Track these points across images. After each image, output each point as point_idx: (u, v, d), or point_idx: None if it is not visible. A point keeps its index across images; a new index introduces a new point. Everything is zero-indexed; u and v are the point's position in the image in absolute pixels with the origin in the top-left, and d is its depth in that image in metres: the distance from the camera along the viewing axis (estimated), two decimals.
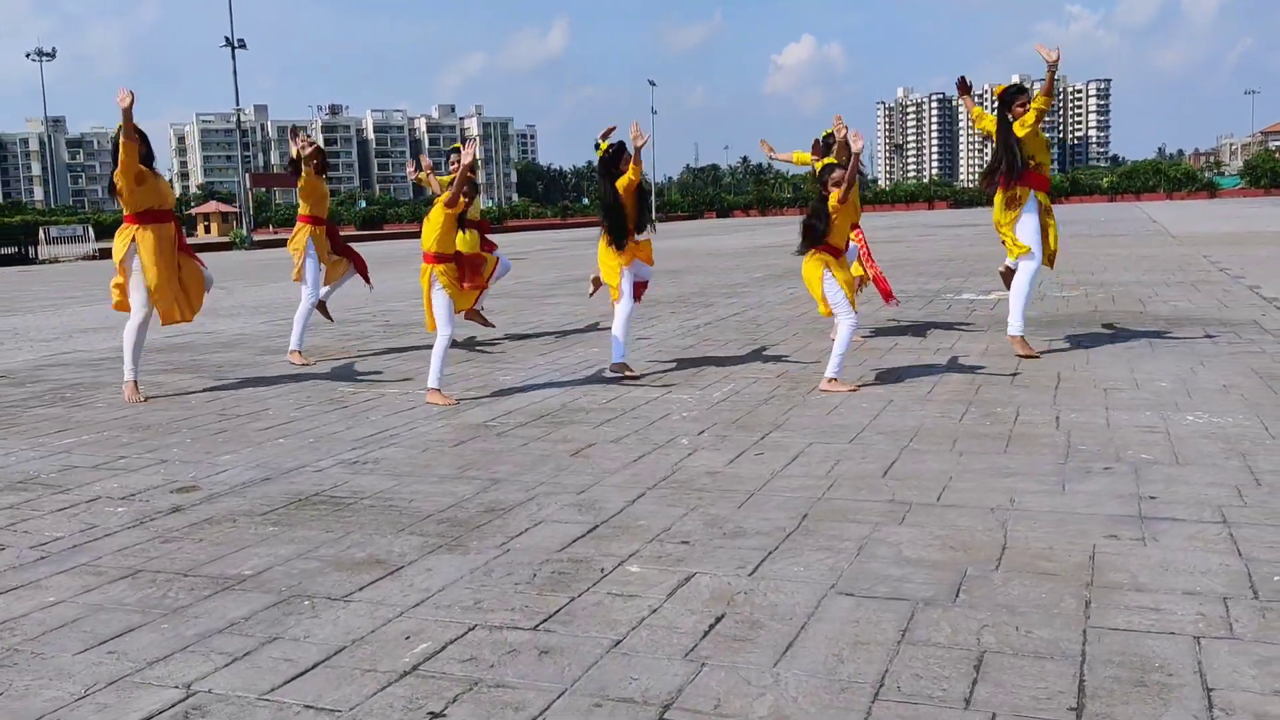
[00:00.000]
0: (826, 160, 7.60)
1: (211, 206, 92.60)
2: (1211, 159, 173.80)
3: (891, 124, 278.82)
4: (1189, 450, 5.05)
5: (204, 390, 7.96)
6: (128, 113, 7.14)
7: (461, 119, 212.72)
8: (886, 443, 5.43)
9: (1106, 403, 6.21)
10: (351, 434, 6.17)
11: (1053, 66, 7.73)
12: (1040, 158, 8.00)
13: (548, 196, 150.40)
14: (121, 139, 7.24)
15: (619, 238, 7.59)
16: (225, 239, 56.06)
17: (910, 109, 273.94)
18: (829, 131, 9.74)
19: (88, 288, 21.49)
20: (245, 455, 5.73)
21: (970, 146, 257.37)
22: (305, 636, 3.21)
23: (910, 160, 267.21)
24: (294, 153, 9.40)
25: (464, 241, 7.34)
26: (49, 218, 65.30)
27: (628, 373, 7.70)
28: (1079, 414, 5.93)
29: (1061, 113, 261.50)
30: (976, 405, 6.28)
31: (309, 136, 9.70)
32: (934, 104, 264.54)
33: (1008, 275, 8.34)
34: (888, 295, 8.81)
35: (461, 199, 6.84)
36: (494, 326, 10.54)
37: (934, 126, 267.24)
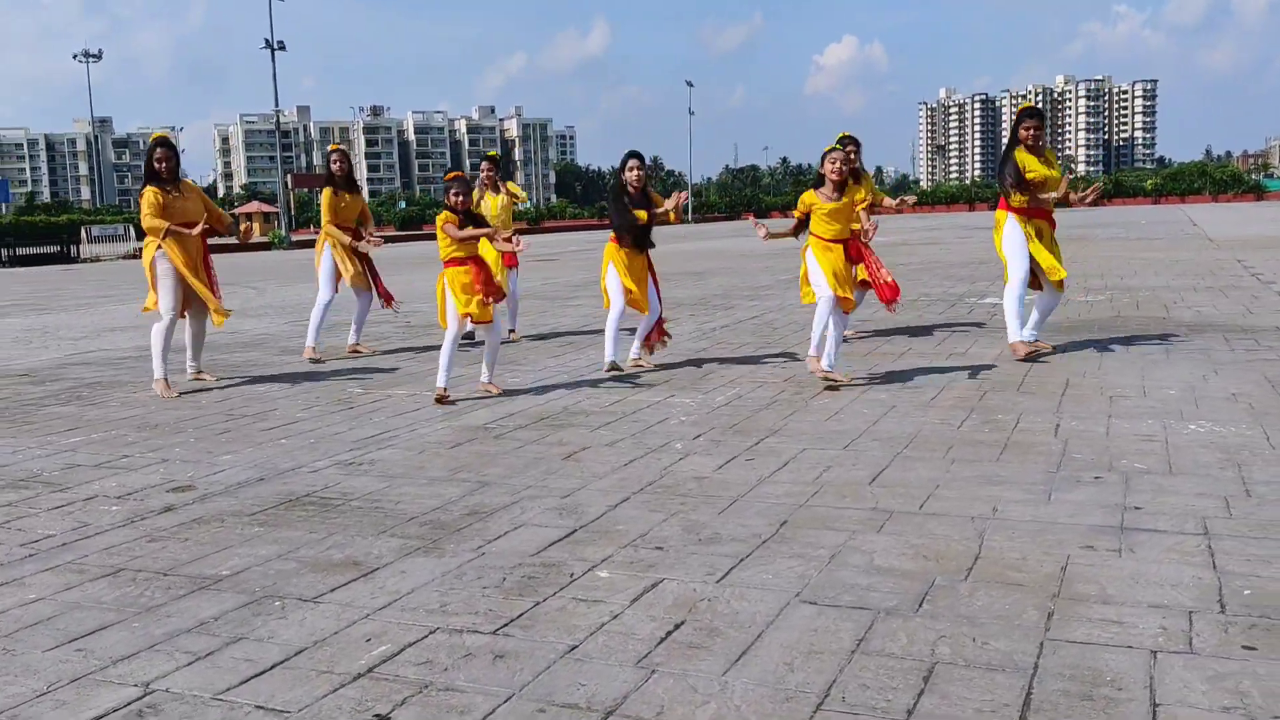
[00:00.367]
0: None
1: (253, 206, 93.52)
2: (1260, 161, 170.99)
3: (934, 125, 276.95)
4: (1184, 460, 4.98)
5: (217, 389, 8.06)
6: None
7: (501, 120, 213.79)
8: (880, 449, 5.41)
9: (1110, 410, 6.14)
10: (353, 435, 6.23)
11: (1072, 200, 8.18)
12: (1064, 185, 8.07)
13: (586, 197, 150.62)
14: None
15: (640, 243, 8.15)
16: (264, 238, 56.68)
17: (953, 110, 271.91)
18: (845, 135, 9.76)
19: (124, 286, 21.82)
20: (245, 455, 5.80)
21: None
22: (270, 637, 3.25)
23: (952, 161, 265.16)
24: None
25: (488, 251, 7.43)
26: (95, 217, 66.34)
27: (621, 370, 8.12)
28: (1080, 422, 5.87)
29: (1106, 114, 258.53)
30: (979, 412, 6.24)
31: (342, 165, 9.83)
32: (976, 105, 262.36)
33: (1032, 282, 8.40)
34: (887, 300, 8.55)
35: (453, 197, 7.05)
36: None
37: (976, 127, 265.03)
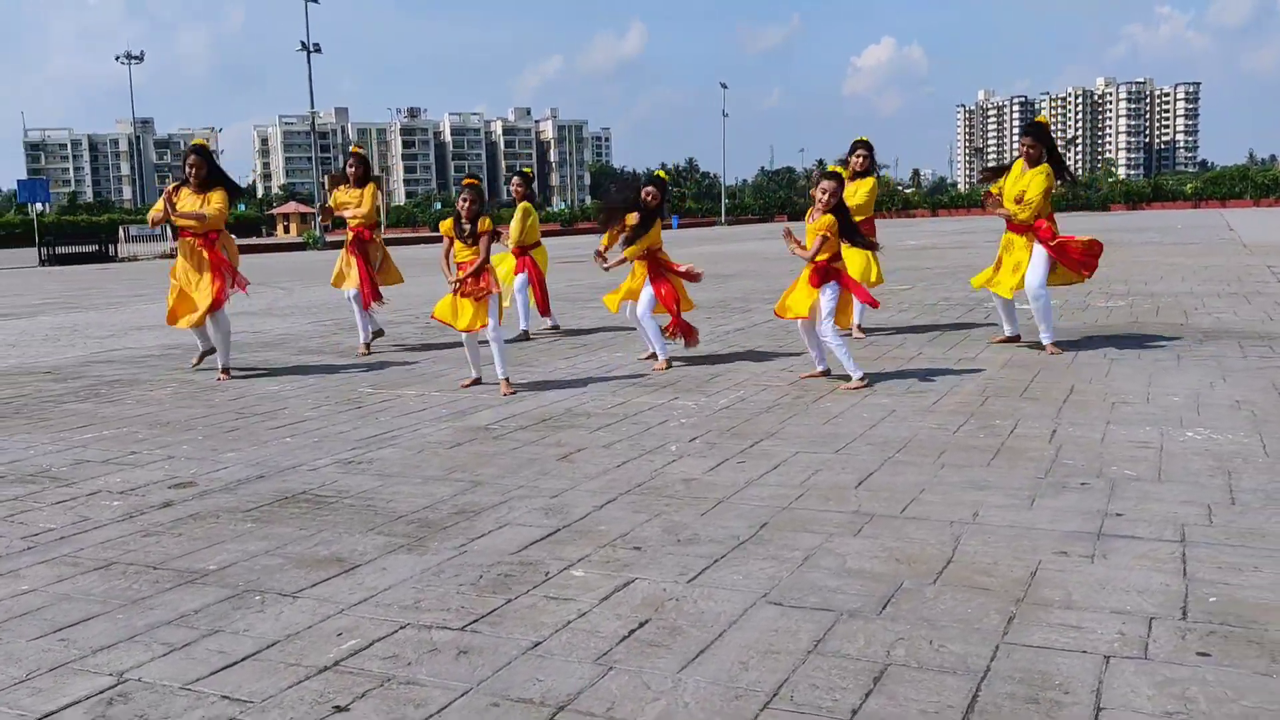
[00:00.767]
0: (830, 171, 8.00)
1: (291, 207, 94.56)
2: None
3: (971, 127, 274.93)
4: (1175, 467, 4.97)
5: (232, 388, 8.20)
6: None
7: (537, 122, 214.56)
8: (872, 453, 5.43)
9: (1110, 417, 6.13)
10: (356, 434, 6.33)
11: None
12: (1008, 206, 8.62)
13: None
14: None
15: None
16: (299, 239, 57.32)
17: (991, 112, 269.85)
18: (860, 138, 9.87)
19: (157, 286, 22.11)
20: (249, 453, 5.91)
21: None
22: (245, 630, 3.34)
23: (990, 164, 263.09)
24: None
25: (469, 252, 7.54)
26: (135, 216, 67.31)
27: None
28: (1077, 428, 5.86)
29: (1148, 117, 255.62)
30: (978, 417, 6.24)
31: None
32: (1015, 107, 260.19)
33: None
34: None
35: (462, 203, 7.41)
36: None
37: (1014, 130, 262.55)
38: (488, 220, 7.54)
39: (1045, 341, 8.62)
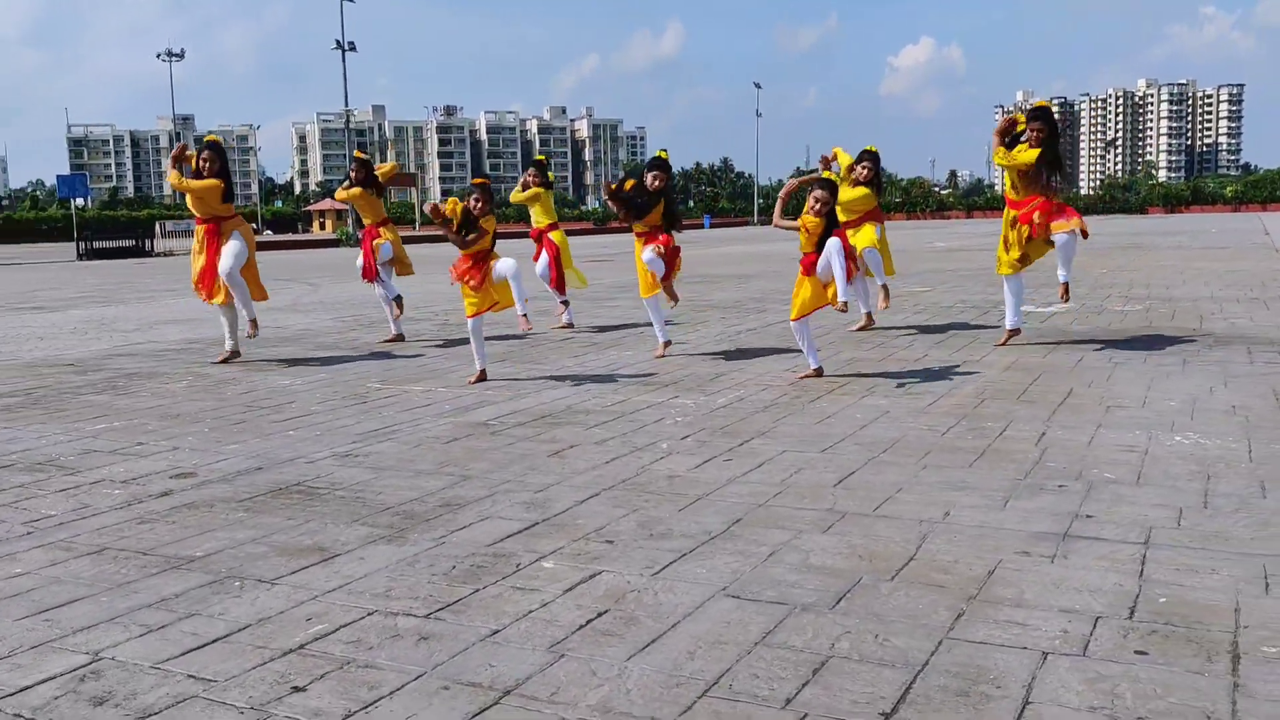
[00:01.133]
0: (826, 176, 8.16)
1: (327, 204, 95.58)
2: None
3: None
4: (1155, 471, 5.01)
5: (244, 380, 8.38)
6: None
7: (572, 120, 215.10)
8: (858, 453, 5.50)
9: (1101, 420, 6.16)
10: (358, 428, 6.47)
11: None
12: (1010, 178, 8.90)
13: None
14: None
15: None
16: (334, 235, 57.89)
17: None
18: (869, 149, 10.01)
19: (188, 280, 22.44)
20: (251, 445, 6.07)
21: (1092, 151, 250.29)
22: (220, 614, 3.47)
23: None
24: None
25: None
26: (174, 212, 68.19)
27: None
28: (1066, 431, 5.90)
29: (1190, 119, 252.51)
30: (970, 419, 6.29)
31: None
32: (1054, 108, 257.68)
33: (1064, 291, 9.09)
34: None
35: (473, 202, 7.52)
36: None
37: None
38: (493, 220, 7.70)
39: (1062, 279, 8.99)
